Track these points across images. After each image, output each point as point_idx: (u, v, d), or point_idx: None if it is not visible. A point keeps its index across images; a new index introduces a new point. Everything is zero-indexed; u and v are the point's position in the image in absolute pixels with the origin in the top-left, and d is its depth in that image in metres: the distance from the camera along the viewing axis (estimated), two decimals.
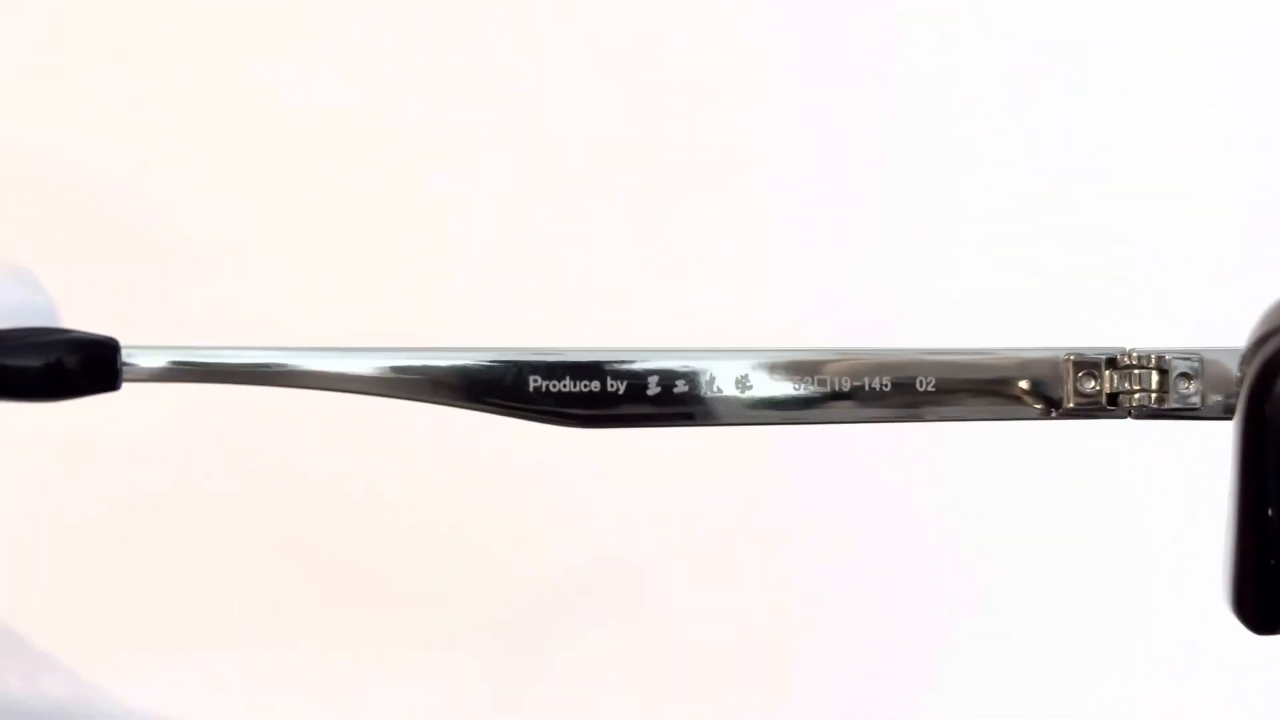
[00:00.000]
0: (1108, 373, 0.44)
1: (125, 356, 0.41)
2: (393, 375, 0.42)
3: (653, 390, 0.43)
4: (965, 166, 0.78)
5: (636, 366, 0.43)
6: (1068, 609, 0.79)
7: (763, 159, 0.78)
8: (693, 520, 0.78)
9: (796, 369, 0.44)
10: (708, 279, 0.77)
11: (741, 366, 0.43)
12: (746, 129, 0.78)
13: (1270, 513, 0.41)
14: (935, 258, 0.78)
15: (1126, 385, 0.44)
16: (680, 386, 0.43)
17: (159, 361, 0.41)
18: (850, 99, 0.78)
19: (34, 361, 0.40)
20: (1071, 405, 0.44)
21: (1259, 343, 0.42)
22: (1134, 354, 0.44)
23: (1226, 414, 0.43)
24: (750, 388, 0.43)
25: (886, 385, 0.44)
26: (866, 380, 0.44)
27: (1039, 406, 0.44)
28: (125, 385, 0.41)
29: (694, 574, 0.78)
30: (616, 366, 0.43)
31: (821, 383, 0.44)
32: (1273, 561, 0.41)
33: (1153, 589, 0.78)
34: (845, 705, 0.78)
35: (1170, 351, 0.44)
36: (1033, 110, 0.78)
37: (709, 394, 0.43)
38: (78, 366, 0.41)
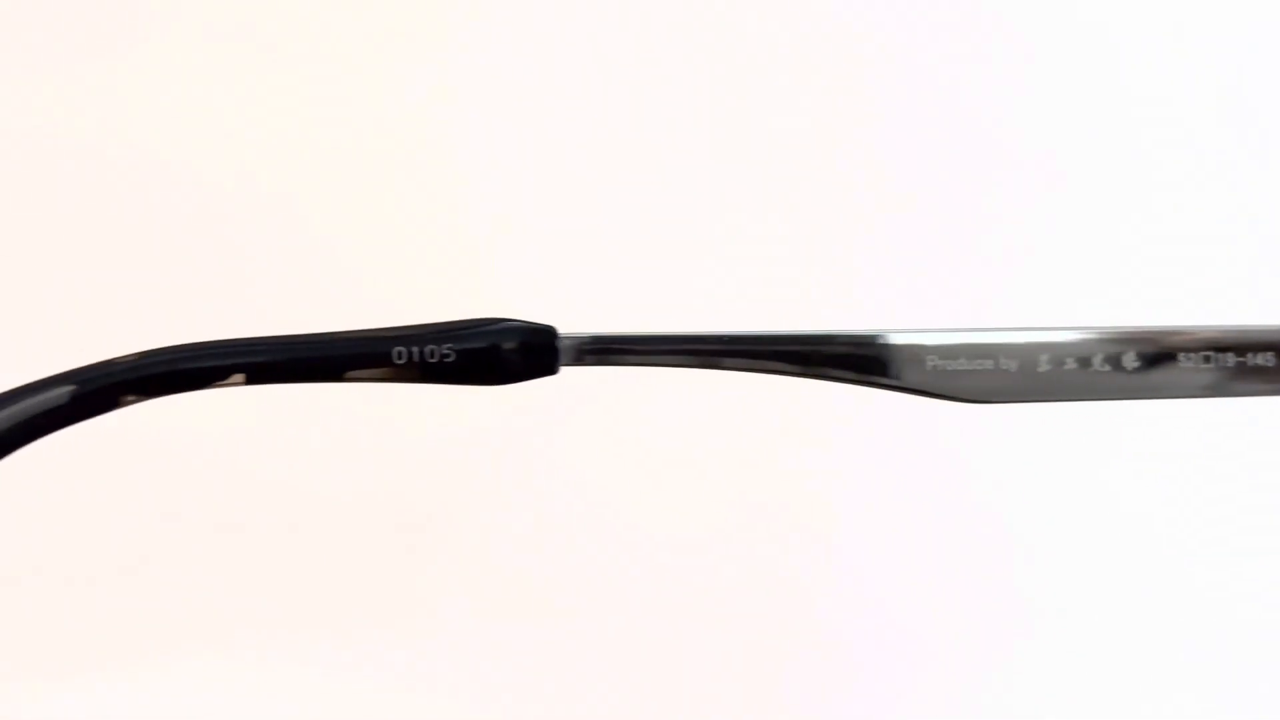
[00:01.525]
0: None
1: (562, 342, 0.44)
2: (796, 352, 0.45)
3: (1043, 367, 0.45)
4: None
5: (1028, 343, 0.45)
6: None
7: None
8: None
9: (1180, 347, 0.45)
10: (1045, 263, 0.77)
11: (1131, 345, 0.45)
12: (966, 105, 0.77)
13: None
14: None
15: None
16: (1070, 364, 0.45)
17: (596, 346, 0.44)
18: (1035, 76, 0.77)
19: (481, 345, 0.44)
20: None
21: None
22: None
23: None
24: (1138, 365, 0.45)
25: (1270, 360, 0.45)
26: (1250, 356, 0.45)
27: None
28: (562, 370, 0.44)
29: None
30: (1010, 345, 0.45)
31: (1205, 359, 0.45)
32: None
33: None
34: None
35: None
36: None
37: (1098, 370, 0.45)
38: (518, 351, 0.44)
